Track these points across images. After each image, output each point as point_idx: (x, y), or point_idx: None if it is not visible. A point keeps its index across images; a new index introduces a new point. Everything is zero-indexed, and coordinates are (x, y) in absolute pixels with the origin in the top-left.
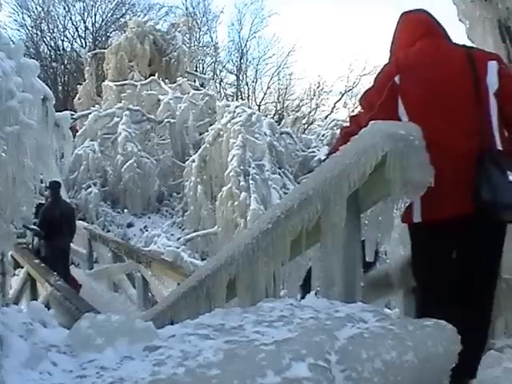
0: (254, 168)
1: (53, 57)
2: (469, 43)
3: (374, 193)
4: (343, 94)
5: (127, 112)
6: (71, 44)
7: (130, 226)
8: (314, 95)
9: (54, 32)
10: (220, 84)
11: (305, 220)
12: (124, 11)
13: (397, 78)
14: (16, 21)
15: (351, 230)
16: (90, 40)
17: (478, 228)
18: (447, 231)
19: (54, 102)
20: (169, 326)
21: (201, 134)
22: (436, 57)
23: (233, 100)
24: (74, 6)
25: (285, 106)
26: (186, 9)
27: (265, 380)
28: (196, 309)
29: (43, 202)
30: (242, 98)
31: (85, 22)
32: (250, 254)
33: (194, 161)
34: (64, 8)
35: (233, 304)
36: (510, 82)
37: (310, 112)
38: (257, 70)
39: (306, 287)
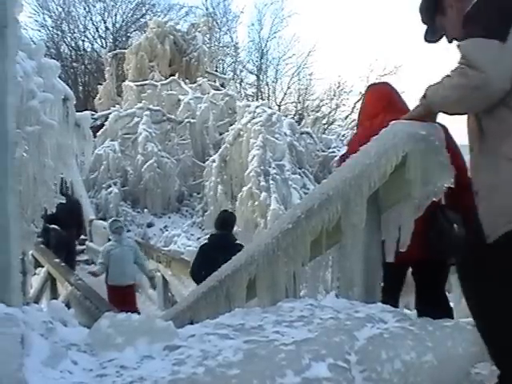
0: (274, 168)
1: (73, 57)
2: None
3: (394, 193)
4: (363, 95)
5: (147, 112)
6: (92, 44)
7: (149, 225)
8: (334, 95)
9: (74, 32)
10: (240, 84)
11: (325, 220)
12: (144, 11)
13: None
14: (37, 21)
15: (371, 231)
16: (111, 40)
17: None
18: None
19: (74, 102)
20: (188, 325)
21: (221, 134)
22: None
23: (253, 100)
24: (95, 7)
25: (305, 106)
26: (206, 9)
27: (284, 380)
28: (216, 308)
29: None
30: (262, 98)
31: (105, 23)
32: (270, 254)
33: (214, 161)
34: (84, 8)
35: (252, 304)
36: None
37: (330, 112)
38: (277, 70)
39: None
